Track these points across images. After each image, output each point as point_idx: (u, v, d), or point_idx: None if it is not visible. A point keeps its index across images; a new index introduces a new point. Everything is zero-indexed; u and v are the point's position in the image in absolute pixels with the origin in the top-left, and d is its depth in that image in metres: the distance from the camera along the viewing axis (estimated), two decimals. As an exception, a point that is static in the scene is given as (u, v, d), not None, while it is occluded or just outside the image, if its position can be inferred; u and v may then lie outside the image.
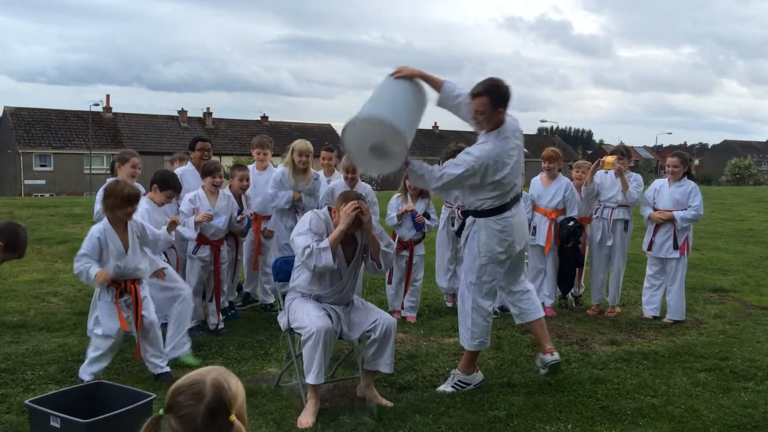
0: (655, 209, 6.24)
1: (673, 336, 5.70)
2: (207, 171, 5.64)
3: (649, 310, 6.32)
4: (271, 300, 6.42)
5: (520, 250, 4.40)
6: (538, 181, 6.57)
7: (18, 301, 6.46)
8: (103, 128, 46.33)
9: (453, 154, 4.59)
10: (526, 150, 4.39)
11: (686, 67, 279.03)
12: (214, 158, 6.24)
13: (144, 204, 4.93)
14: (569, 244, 6.32)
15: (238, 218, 5.72)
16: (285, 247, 5.86)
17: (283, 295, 4.34)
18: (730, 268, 9.02)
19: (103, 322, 4.24)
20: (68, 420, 3.00)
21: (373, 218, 4.42)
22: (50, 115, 45.64)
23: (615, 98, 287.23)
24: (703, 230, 12.33)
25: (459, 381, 4.39)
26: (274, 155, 6.73)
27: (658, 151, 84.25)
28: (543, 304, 5.24)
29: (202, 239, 5.57)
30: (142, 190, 5.72)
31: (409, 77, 4.11)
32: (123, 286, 4.28)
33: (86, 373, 4.28)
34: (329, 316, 4.01)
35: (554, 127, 79.38)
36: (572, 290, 6.74)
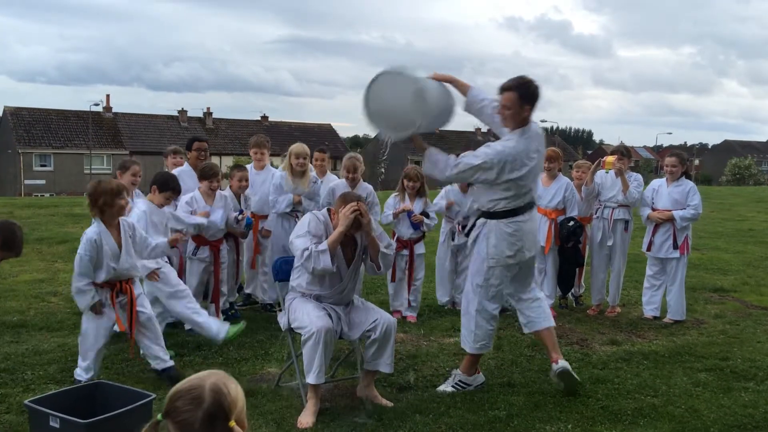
0: (653, 209, 6.24)
1: (673, 336, 5.69)
2: (205, 175, 5.64)
3: (649, 310, 6.32)
4: (270, 300, 6.41)
5: (531, 257, 4.32)
6: (538, 181, 6.56)
7: (18, 301, 6.46)
8: (103, 128, 46.33)
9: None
10: None
11: (686, 67, 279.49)
12: (213, 161, 6.23)
13: (143, 206, 4.92)
14: (569, 244, 6.31)
15: (239, 218, 5.71)
16: (284, 249, 5.84)
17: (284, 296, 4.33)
18: (730, 268, 9.01)
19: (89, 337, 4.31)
20: (68, 420, 3.00)
21: (373, 219, 4.41)
22: (50, 115, 45.64)
23: (615, 98, 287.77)
24: (703, 230, 12.32)
25: (460, 381, 4.38)
26: (273, 155, 6.73)
27: (658, 151, 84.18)
28: None
29: (201, 240, 5.57)
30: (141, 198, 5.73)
31: (440, 80, 4.23)
32: (118, 287, 4.29)
33: (82, 373, 4.30)
34: (329, 315, 4.00)
35: (554, 127, 79.30)
36: (572, 290, 6.74)
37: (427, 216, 6.11)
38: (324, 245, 3.93)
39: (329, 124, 56.97)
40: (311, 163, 6.27)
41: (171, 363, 4.47)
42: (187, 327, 5.41)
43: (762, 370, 4.78)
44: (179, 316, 5.01)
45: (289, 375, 4.40)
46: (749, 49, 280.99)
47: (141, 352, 4.58)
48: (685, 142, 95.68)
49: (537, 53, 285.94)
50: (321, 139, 48.97)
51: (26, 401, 3.22)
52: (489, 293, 4.30)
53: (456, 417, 3.91)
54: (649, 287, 6.36)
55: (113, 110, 48.12)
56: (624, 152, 6.31)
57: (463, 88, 4.31)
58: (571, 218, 6.31)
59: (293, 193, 6.00)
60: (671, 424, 3.85)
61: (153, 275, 4.78)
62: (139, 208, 4.90)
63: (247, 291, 6.61)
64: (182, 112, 50.39)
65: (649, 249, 6.28)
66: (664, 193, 6.21)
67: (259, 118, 54.14)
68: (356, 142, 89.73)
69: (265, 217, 6.29)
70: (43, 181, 42.91)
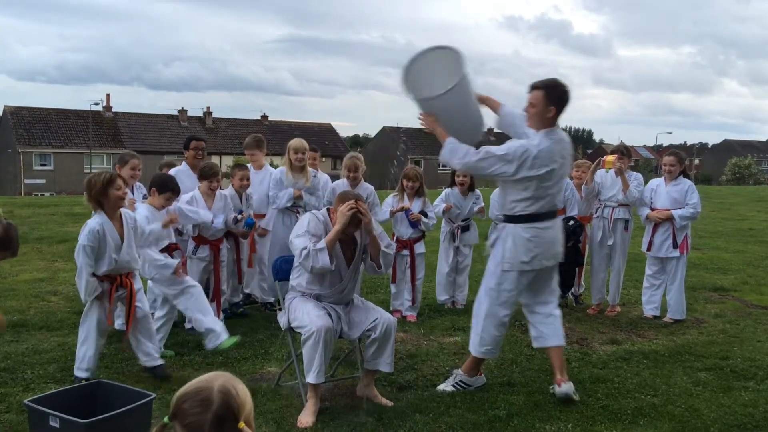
0: (652, 209, 6.24)
1: (673, 335, 5.69)
2: (205, 175, 5.63)
3: (649, 309, 6.32)
4: (270, 299, 6.41)
5: (549, 267, 4.25)
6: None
7: (18, 300, 6.46)
8: (103, 127, 46.33)
9: None
10: None
11: (686, 67, 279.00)
12: (214, 160, 6.23)
13: (143, 211, 4.89)
14: (569, 244, 6.29)
15: (238, 218, 5.69)
16: (285, 247, 5.84)
17: (283, 296, 4.33)
18: (730, 267, 9.01)
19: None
20: (67, 420, 2.99)
21: (374, 219, 4.41)
22: (50, 115, 45.64)
23: (615, 98, 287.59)
24: (703, 229, 12.33)
25: (460, 381, 4.37)
26: (274, 154, 6.73)
27: (659, 150, 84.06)
28: None
29: (201, 239, 5.57)
30: (142, 192, 5.73)
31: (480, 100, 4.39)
32: (119, 280, 4.29)
33: (81, 371, 4.31)
34: (329, 315, 4.00)
35: (554, 127, 79.15)
36: (572, 289, 6.73)
37: (425, 215, 6.11)
38: (322, 243, 3.92)
39: (329, 124, 56.98)
40: None
41: (161, 361, 4.48)
42: (187, 326, 5.40)
43: (762, 370, 4.78)
44: (186, 313, 5.00)
45: (289, 374, 4.40)
46: (749, 49, 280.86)
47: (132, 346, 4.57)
48: (685, 142, 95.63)
49: (537, 53, 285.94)
50: (321, 138, 48.97)
51: (26, 401, 3.22)
52: (500, 298, 4.24)
53: (456, 416, 3.91)
54: (649, 286, 6.36)
55: (113, 109, 48.13)
56: (624, 151, 6.31)
57: (494, 105, 4.46)
58: (571, 218, 6.31)
59: (293, 188, 6.00)
60: (671, 423, 3.85)
61: (178, 270, 4.74)
62: (141, 214, 4.87)
63: (246, 291, 6.61)
64: (182, 111, 50.41)
65: (649, 249, 6.28)
66: (663, 192, 6.21)
67: (259, 118, 54.15)
68: (356, 142, 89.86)
69: (262, 215, 6.30)
70: (43, 181, 42.91)
